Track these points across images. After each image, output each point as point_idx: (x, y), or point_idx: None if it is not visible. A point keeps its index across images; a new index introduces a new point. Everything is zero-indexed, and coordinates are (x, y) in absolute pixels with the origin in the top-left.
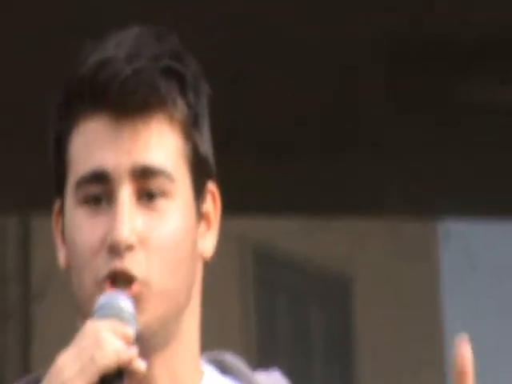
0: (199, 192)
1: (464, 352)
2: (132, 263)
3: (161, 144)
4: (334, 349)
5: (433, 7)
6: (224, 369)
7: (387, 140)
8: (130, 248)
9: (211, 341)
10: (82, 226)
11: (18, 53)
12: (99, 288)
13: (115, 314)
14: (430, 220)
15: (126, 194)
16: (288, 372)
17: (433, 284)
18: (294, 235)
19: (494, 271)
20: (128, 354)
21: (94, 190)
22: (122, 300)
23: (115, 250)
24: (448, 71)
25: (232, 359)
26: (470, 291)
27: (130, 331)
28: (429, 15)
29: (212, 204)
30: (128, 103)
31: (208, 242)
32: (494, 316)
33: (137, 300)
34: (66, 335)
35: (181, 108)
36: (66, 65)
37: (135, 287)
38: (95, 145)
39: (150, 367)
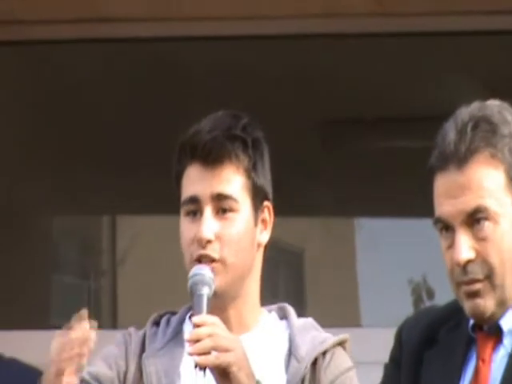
0: (257, 208)
1: None
2: (210, 250)
3: (229, 180)
4: None
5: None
6: (283, 315)
7: None
8: (208, 241)
9: None
10: (185, 228)
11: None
12: (193, 263)
13: (202, 277)
14: None
15: (208, 210)
16: None
17: None
18: None
19: None
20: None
21: (191, 207)
22: (206, 270)
23: (200, 242)
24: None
25: (289, 307)
26: None
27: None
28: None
29: (268, 214)
30: (207, 158)
31: (264, 237)
32: None
33: (214, 271)
34: (139, 288)
35: (243, 160)
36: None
37: (213, 264)
38: (192, 181)
39: (223, 312)
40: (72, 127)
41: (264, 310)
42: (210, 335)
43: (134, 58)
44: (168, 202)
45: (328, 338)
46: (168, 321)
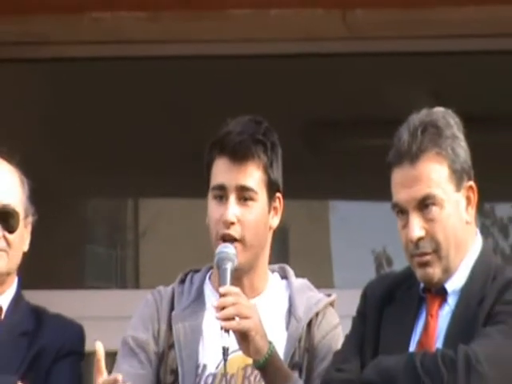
0: (271, 198)
1: None
2: (233, 231)
3: (251, 175)
4: None
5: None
6: (284, 274)
7: None
8: (232, 223)
9: None
10: (212, 209)
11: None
12: (218, 240)
13: (226, 255)
14: None
15: (233, 197)
16: None
17: None
18: None
19: None
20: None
21: (218, 193)
22: (230, 248)
23: (225, 224)
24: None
25: (288, 268)
26: None
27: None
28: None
29: (278, 203)
30: (235, 155)
31: (275, 221)
32: None
33: (236, 249)
34: (156, 256)
35: (263, 159)
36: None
37: (235, 243)
38: (220, 171)
39: (239, 281)
40: (101, 126)
41: (269, 272)
42: (233, 304)
43: (145, 72)
44: (183, 188)
45: (320, 299)
46: (191, 279)
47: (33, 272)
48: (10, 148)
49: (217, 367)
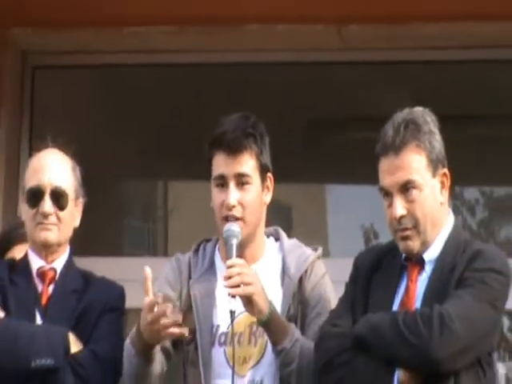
0: (263, 178)
1: None
2: (235, 211)
3: (246, 163)
4: None
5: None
6: (277, 236)
7: None
8: (233, 206)
9: None
10: (216, 195)
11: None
12: (222, 220)
13: (232, 232)
14: None
15: (232, 184)
16: None
17: None
18: None
19: None
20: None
21: (220, 182)
22: (235, 227)
23: (228, 207)
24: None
25: (281, 230)
26: None
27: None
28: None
29: (270, 182)
30: (231, 149)
31: (268, 198)
32: None
33: (240, 226)
34: (183, 229)
35: (254, 149)
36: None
37: (237, 221)
38: (220, 164)
39: (241, 251)
40: (139, 120)
41: (265, 237)
42: (238, 274)
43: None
44: (205, 173)
45: (308, 256)
46: (204, 249)
47: (81, 242)
48: (65, 140)
49: (228, 327)
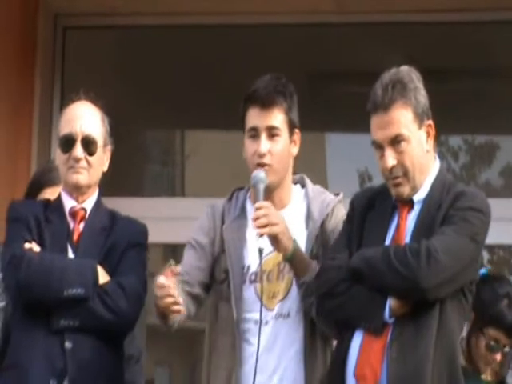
0: (291, 132)
1: None
2: (266, 159)
3: (276, 118)
4: None
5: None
6: (303, 183)
7: None
8: (264, 154)
9: None
10: (249, 145)
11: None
12: (254, 167)
13: (259, 178)
14: None
15: (263, 135)
16: None
17: None
18: None
19: None
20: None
21: (253, 133)
22: (262, 173)
23: (259, 155)
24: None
25: (306, 178)
26: None
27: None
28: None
29: (297, 136)
30: (263, 104)
31: (295, 150)
32: None
33: (267, 173)
34: (198, 174)
35: (284, 105)
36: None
37: (266, 167)
38: (253, 117)
39: (270, 197)
40: (160, 74)
41: (292, 184)
42: (265, 215)
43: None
44: (220, 122)
45: (330, 202)
46: (237, 197)
47: (108, 184)
48: (95, 94)
49: (257, 267)
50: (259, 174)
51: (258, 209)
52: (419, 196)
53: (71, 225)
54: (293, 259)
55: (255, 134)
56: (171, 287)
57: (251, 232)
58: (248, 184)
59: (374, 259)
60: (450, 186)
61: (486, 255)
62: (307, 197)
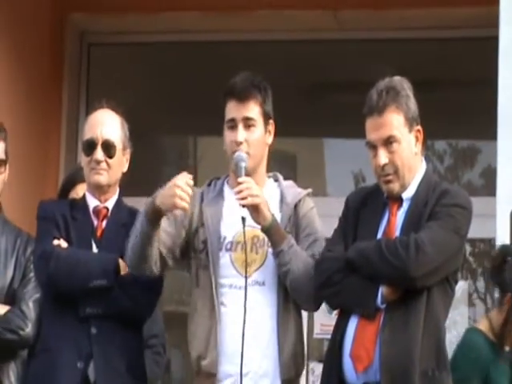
0: (266, 123)
1: None
2: (243, 147)
3: (252, 109)
4: None
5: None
6: (276, 178)
7: None
8: (241, 143)
9: None
10: (227, 135)
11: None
12: (233, 152)
13: (241, 157)
14: None
15: (240, 126)
16: None
17: None
18: None
19: None
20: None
21: (231, 124)
22: (243, 154)
23: (237, 143)
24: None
25: (279, 175)
26: None
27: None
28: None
29: (271, 126)
30: (240, 97)
31: (269, 139)
32: None
33: (248, 156)
34: (208, 172)
35: (259, 98)
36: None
37: (245, 154)
38: (231, 109)
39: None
40: (176, 86)
41: (266, 176)
42: (247, 188)
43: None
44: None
45: (301, 192)
46: (215, 183)
47: (128, 184)
48: (116, 102)
49: (233, 236)
50: (241, 153)
51: (240, 183)
52: (408, 194)
53: (95, 222)
54: (271, 228)
55: (233, 124)
56: (189, 193)
57: (227, 208)
58: (226, 174)
59: (368, 251)
60: (436, 185)
61: (468, 248)
62: (280, 186)
